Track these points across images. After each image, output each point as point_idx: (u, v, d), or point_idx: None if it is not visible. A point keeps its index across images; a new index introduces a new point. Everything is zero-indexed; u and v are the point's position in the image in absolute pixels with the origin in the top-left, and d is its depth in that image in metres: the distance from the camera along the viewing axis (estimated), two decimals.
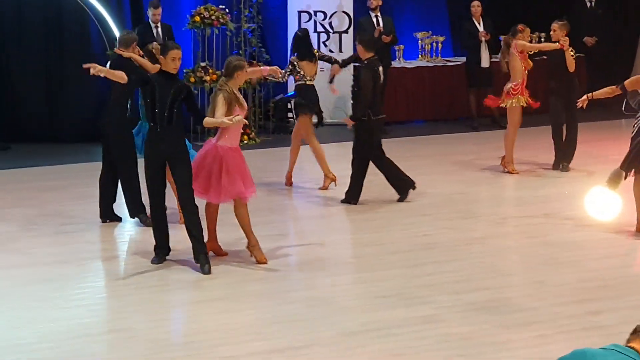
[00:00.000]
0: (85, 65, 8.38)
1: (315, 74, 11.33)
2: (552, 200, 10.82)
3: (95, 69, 8.36)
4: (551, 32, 12.26)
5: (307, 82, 11.23)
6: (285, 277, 8.22)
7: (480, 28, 15.29)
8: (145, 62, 9.66)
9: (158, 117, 8.26)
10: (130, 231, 9.75)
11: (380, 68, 10.51)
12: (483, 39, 15.21)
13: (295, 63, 11.20)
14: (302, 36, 11.43)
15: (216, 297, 7.70)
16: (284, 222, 10.07)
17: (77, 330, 7.02)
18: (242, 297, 7.69)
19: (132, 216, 9.81)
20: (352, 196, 10.60)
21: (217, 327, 7.04)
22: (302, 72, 11.19)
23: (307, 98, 11.18)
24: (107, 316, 7.41)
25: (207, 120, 8.28)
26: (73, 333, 6.96)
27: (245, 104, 8.53)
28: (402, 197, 10.71)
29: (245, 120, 8.31)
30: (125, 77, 8.63)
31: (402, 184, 10.69)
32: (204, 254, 8.34)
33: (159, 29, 13.95)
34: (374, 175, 12.02)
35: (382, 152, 10.61)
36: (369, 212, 10.41)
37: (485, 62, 15.33)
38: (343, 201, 10.63)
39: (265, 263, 8.46)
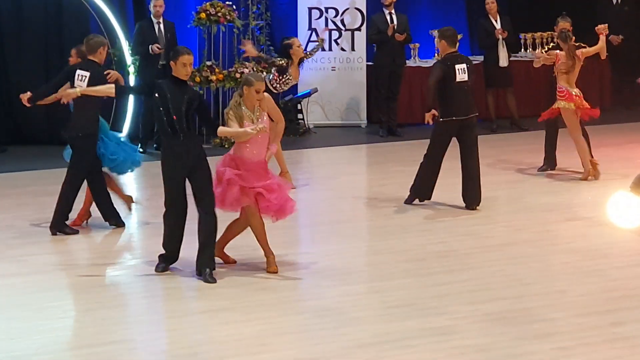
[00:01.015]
0: (62, 102, 8.23)
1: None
2: (574, 206, 10.69)
3: (68, 95, 8.21)
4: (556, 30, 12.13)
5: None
6: (294, 286, 8.13)
7: (497, 25, 15.01)
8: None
9: (178, 126, 8.08)
10: (132, 238, 9.69)
11: (463, 65, 10.30)
12: (500, 36, 14.92)
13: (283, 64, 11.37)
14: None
15: (222, 306, 7.59)
16: (292, 228, 9.92)
17: (76, 341, 6.99)
18: (249, 307, 7.58)
19: (54, 229, 9.53)
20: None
21: (223, 339, 6.95)
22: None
23: None
24: (107, 326, 7.25)
25: (223, 130, 8.16)
26: (72, 344, 6.92)
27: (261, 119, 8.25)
28: (408, 200, 10.57)
29: (265, 129, 8.11)
30: (113, 89, 8.37)
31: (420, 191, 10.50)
32: (207, 268, 8.12)
33: (161, 25, 13.71)
34: (386, 179, 11.84)
35: (470, 151, 10.50)
36: (382, 218, 10.28)
37: (503, 61, 15.07)
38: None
39: (275, 272, 8.33)
